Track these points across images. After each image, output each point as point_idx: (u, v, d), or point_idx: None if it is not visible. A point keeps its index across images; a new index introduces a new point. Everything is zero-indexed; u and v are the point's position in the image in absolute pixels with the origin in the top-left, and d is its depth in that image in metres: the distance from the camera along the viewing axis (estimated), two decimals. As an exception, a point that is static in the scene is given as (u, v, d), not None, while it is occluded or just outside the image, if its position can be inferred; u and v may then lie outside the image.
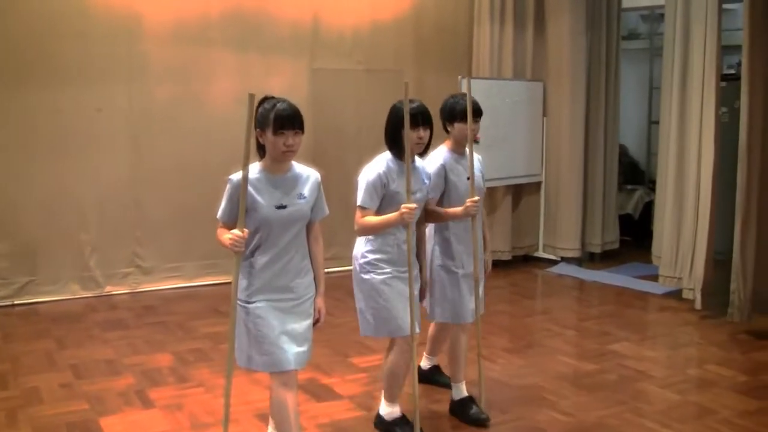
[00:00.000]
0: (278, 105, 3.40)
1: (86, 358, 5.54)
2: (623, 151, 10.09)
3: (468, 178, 4.34)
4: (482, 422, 4.39)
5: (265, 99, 3.48)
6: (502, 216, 8.62)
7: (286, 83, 7.70)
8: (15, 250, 6.92)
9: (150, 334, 6.13)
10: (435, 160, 4.34)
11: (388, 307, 4.01)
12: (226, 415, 3.45)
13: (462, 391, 4.54)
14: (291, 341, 3.48)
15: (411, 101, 3.87)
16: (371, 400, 4.74)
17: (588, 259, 8.93)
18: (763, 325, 6.39)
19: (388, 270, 4.02)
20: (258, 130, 3.46)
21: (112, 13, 7.10)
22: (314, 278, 3.65)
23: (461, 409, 4.49)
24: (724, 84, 6.93)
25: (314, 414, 4.54)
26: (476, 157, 4.49)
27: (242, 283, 3.47)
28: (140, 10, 7.22)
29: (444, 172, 4.32)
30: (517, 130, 8.46)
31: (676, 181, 7.26)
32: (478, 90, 7.34)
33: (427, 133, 4.04)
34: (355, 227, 4.05)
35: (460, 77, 7.87)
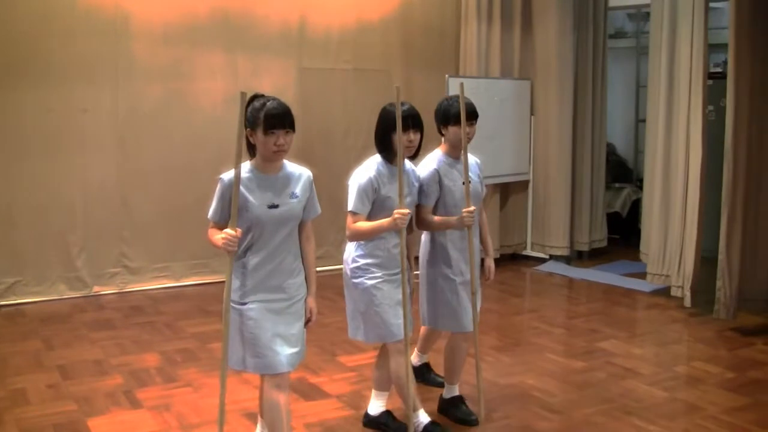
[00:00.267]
0: (268, 104, 3.36)
1: (74, 359, 5.52)
2: (611, 150, 10.13)
3: (464, 183, 4.25)
4: (471, 422, 4.39)
5: (255, 97, 3.43)
6: (490, 215, 8.62)
7: (273, 83, 7.69)
8: (1, 251, 6.88)
9: (138, 334, 6.11)
10: (429, 164, 4.26)
11: (379, 312, 3.98)
12: (221, 417, 3.43)
13: (453, 390, 4.53)
14: (284, 343, 3.46)
15: (403, 103, 3.84)
16: (360, 399, 4.75)
17: (576, 257, 8.96)
18: (749, 322, 6.43)
19: (378, 274, 3.99)
20: (248, 129, 3.41)
21: (99, 13, 7.07)
22: (306, 278, 3.62)
23: (450, 407, 4.49)
24: (710, 82, 6.95)
25: (303, 413, 4.54)
26: (474, 160, 4.43)
27: (235, 283, 3.45)
28: (127, 9, 7.19)
29: (438, 177, 4.22)
30: (504, 129, 8.47)
31: (664, 180, 7.29)
32: (466, 89, 7.37)
33: (417, 136, 4.00)
34: (347, 233, 4.01)
35: (447, 76, 7.88)
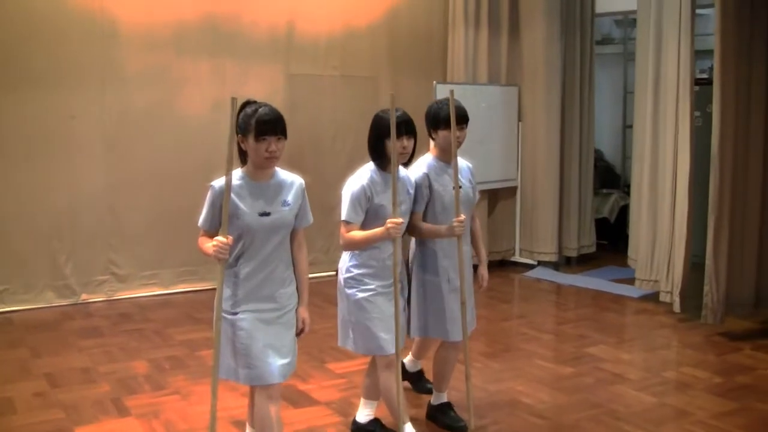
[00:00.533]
0: (260, 110, 3.31)
1: (61, 367, 5.50)
2: (598, 155, 10.17)
3: (454, 188, 4.16)
4: (459, 429, 4.38)
5: (247, 103, 3.38)
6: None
7: (261, 89, 7.68)
8: (-12, 259, 6.86)
9: (126, 342, 6.09)
10: (418, 168, 4.20)
11: (369, 325, 3.92)
12: (212, 426, 3.39)
13: (441, 397, 4.52)
14: (275, 354, 3.42)
15: (396, 109, 3.79)
16: (348, 406, 4.74)
17: (564, 263, 8.98)
18: (736, 327, 6.45)
19: (372, 286, 3.93)
20: (239, 135, 3.35)
21: (86, 19, 7.05)
22: (297, 288, 3.57)
23: (438, 414, 4.48)
24: (696, 88, 6.99)
25: (291, 420, 4.53)
26: (466, 165, 4.38)
27: (226, 292, 3.41)
28: (114, 15, 7.18)
29: (428, 181, 4.15)
30: (492, 135, 8.49)
31: (651, 185, 7.32)
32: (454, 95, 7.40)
33: (411, 142, 3.95)
34: (341, 242, 3.96)
35: (435, 82, 7.90)
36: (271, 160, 3.34)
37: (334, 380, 5.25)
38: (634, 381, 5.25)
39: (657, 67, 7.21)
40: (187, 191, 7.39)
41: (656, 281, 7.27)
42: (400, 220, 3.77)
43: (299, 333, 3.59)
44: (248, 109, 3.34)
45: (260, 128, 3.28)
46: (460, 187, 4.16)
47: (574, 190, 8.90)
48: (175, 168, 7.51)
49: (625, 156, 10.38)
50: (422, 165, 4.22)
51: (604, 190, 10.09)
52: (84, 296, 7.23)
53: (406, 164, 4.10)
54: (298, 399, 4.88)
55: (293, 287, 3.55)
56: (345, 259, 4.03)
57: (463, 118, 4.15)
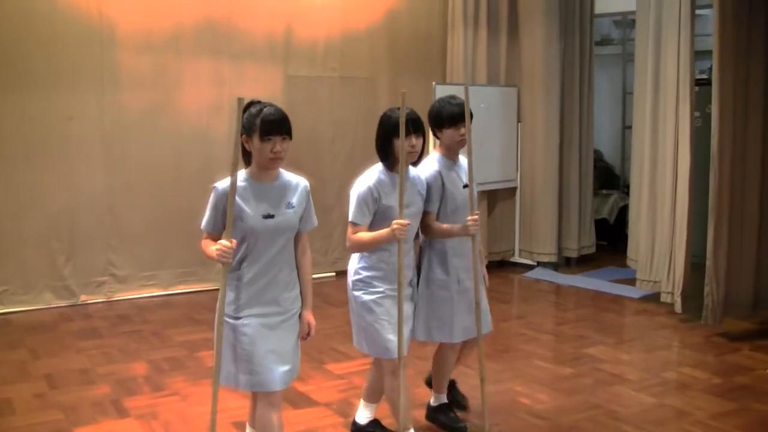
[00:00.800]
0: (265, 110, 3.26)
1: (60, 368, 5.50)
2: (598, 156, 10.17)
3: (464, 186, 4.13)
4: (459, 429, 4.37)
5: (252, 103, 3.33)
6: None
7: (260, 91, 7.66)
8: (-13, 260, 6.86)
9: (125, 343, 6.09)
10: (429, 166, 4.12)
11: (376, 327, 3.87)
12: (212, 430, 3.36)
13: (441, 398, 4.51)
14: (278, 360, 3.37)
15: (400, 108, 3.73)
16: (348, 407, 4.74)
17: (564, 264, 8.98)
18: (735, 328, 6.45)
19: (380, 289, 3.88)
20: (244, 136, 3.28)
21: (85, 21, 7.06)
22: (301, 291, 3.52)
23: (438, 415, 4.47)
24: (696, 89, 6.99)
25: (291, 422, 4.52)
26: (466, 163, 4.26)
27: (229, 296, 3.34)
28: (113, 18, 7.18)
29: (441, 179, 4.08)
30: (491, 136, 8.49)
31: (651, 186, 7.32)
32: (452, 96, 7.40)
33: (420, 141, 3.88)
34: (347, 244, 3.90)
35: (434, 83, 7.90)
36: (276, 160, 3.29)
37: (334, 381, 5.25)
38: (633, 381, 5.25)
39: (656, 67, 7.21)
40: (186, 192, 7.42)
41: (657, 282, 7.27)
42: (406, 221, 3.70)
43: (305, 337, 3.54)
44: (253, 109, 3.29)
45: (265, 128, 3.22)
46: (466, 186, 4.12)
47: (574, 191, 8.90)
48: (174, 169, 7.52)
49: (625, 157, 10.38)
50: (433, 162, 4.15)
51: (604, 191, 10.09)
52: (83, 297, 7.23)
53: (415, 164, 4.01)
54: (297, 400, 4.88)
55: (297, 291, 3.49)
56: (354, 261, 3.98)
57: (463, 115, 4.06)
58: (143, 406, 4.80)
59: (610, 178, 10.53)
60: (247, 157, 3.37)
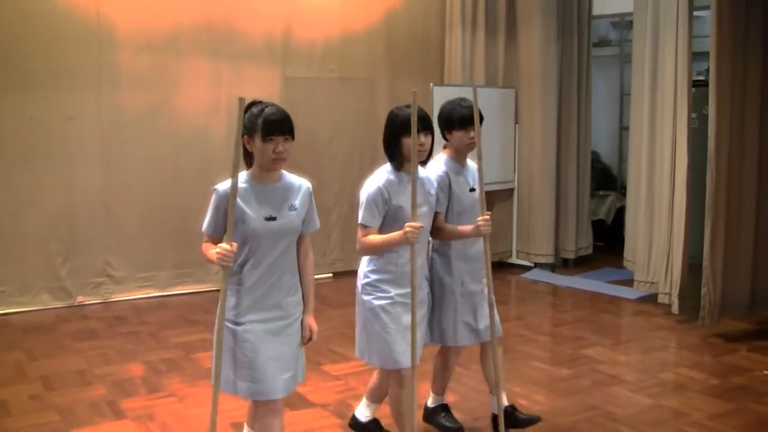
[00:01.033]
0: (267, 109, 3.20)
1: (57, 369, 5.49)
2: (595, 157, 10.17)
3: (472, 190, 4.07)
4: (456, 430, 4.36)
5: (253, 104, 3.27)
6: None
7: (258, 91, 7.59)
8: (-16, 261, 6.85)
9: (122, 344, 6.08)
10: (436, 168, 4.04)
11: (384, 335, 3.73)
12: None
13: (439, 399, 4.49)
14: (280, 368, 3.29)
15: (408, 106, 3.64)
16: (345, 408, 4.74)
17: (561, 265, 8.98)
18: (732, 328, 6.46)
19: (390, 294, 3.75)
20: (245, 136, 3.22)
21: (83, 21, 7.06)
22: (303, 295, 3.44)
23: (435, 416, 4.46)
24: (693, 90, 7.00)
25: (289, 423, 4.49)
26: (474, 167, 4.20)
27: (230, 301, 3.25)
28: (111, 18, 7.18)
29: (448, 181, 4.02)
30: (489, 137, 8.43)
31: (649, 187, 7.32)
32: (450, 97, 7.38)
33: (429, 139, 3.77)
34: (357, 246, 3.78)
35: (432, 84, 7.90)
36: (278, 161, 3.22)
37: (331, 382, 5.24)
38: (631, 382, 5.25)
39: (654, 68, 7.22)
40: (184, 193, 7.42)
41: (654, 283, 7.28)
42: (419, 224, 3.58)
43: (306, 342, 3.45)
44: (254, 109, 3.23)
45: (267, 128, 3.17)
46: (473, 190, 4.08)
47: (571, 192, 8.90)
48: (172, 170, 7.52)
49: (622, 158, 10.39)
50: (440, 164, 4.08)
51: (601, 192, 10.09)
52: (80, 298, 7.22)
53: (424, 163, 3.88)
54: (294, 401, 4.87)
55: (299, 295, 3.42)
56: (363, 265, 3.86)
57: (479, 118, 4.03)
58: (140, 407, 4.80)
59: (607, 179, 10.54)
60: (248, 159, 3.31)
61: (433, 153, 3.95)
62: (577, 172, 8.92)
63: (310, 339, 3.46)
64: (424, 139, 3.73)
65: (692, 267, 6.90)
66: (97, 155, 7.25)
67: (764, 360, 5.70)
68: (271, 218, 3.24)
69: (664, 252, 7.10)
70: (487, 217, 3.91)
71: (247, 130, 3.22)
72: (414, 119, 3.53)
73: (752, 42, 6.41)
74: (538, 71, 8.62)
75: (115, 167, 7.32)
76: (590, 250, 9.20)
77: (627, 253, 7.91)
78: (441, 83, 8.44)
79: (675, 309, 6.87)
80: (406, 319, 3.71)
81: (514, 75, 8.85)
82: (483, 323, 4.15)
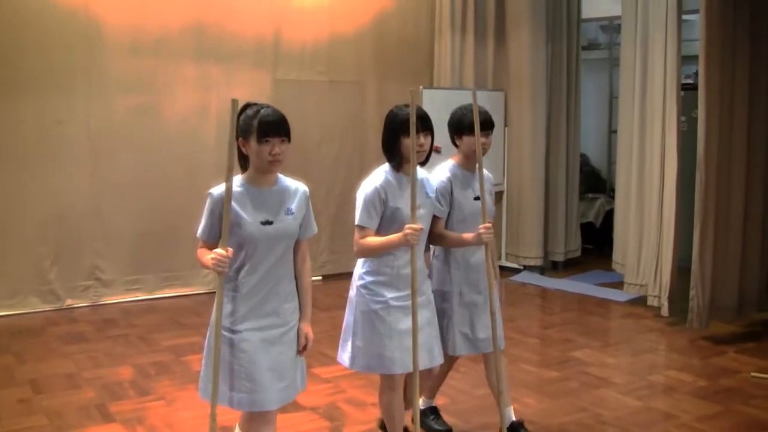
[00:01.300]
0: (262, 111, 3.14)
1: (46, 373, 5.47)
2: (584, 160, 10.20)
3: (476, 198, 3.98)
4: (445, 432, 4.36)
5: (248, 105, 3.20)
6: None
7: (248, 94, 7.58)
8: (-28, 264, 6.82)
9: (111, 348, 6.06)
10: (440, 174, 4.01)
11: (375, 340, 3.66)
12: None
13: (429, 402, 4.50)
14: (276, 378, 3.23)
15: (407, 106, 3.57)
16: (335, 411, 4.74)
17: (551, 268, 9.00)
18: (721, 331, 6.49)
19: (384, 298, 3.66)
20: (240, 139, 3.16)
21: (71, 24, 7.03)
22: (300, 301, 3.37)
23: (425, 419, 4.44)
24: (682, 93, 7.03)
25: (278, 426, 4.45)
26: (487, 175, 4.12)
27: (226, 307, 3.17)
28: (101, 21, 7.16)
29: (450, 188, 3.97)
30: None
31: (638, 190, 7.35)
32: (440, 100, 7.42)
33: (428, 139, 3.68)
34: (354, 248, 3.68)
35: (421, 88, 7.92)
36: (274, 163, 3.15)
37: (321, 385, 5.23)
38: (620, 385, 5.27)
39: (643, 72, 7.25)
40: (173, 196, 7.40)
41: (643, 285, 7.30)
42: (419, 225, 3.52)
43: (302, 350, 3.37)
44: (249, 111, 3.17)
45: (263, 129, 3.10)
46: (477, 198, 3.99)
47: (560, 195, 8.93)
48: (161, 173, 7.50)
49: (611, 161, 10.42)
50: (445, 170, 4.04)
51: (590, 195, 10.11)
52: (68, 302, 7.19)
53: (423, 163, 3.79)
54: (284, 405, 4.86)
55: (296, 302, 3.35)
56: (358, 266, 3.78)
57: (488, 124, 4.00)
58: (129, 410, 4.78)
59: (596, 182, 10.55)
60: (243, 162, 3.25)
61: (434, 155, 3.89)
62: (566, 174, 8.95)
63: (305, 347, 3.38)
64: (424, 139, 3.65)
65: (681, 270, 6.93)
66: (85, 157, 7.22)
67: (752, 362, 5.72)
68: (268, 222, 3.18)
69: (654, 255, 7.13)
70: (489, 225, 3.82)
71: (243, 132, 3.16)
72: (413, 119, 3.46)
73: (741, 45, 6.44)
74: (528, 74, 8.64)
75: (104, 170, 7.30)
76: (579, 253, 9.23)
77: (616, 255, 7.93)
78: (430, 86, 8.45)
79: (664, 311, 6.91)
80: (403, 323, 3.63)
81: (503, 78, 8.87)
82: (484, 334, 4.08)
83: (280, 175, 3.31)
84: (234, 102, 3.04)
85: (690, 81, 8.56)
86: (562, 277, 8.68)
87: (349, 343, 3.76)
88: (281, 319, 3.26)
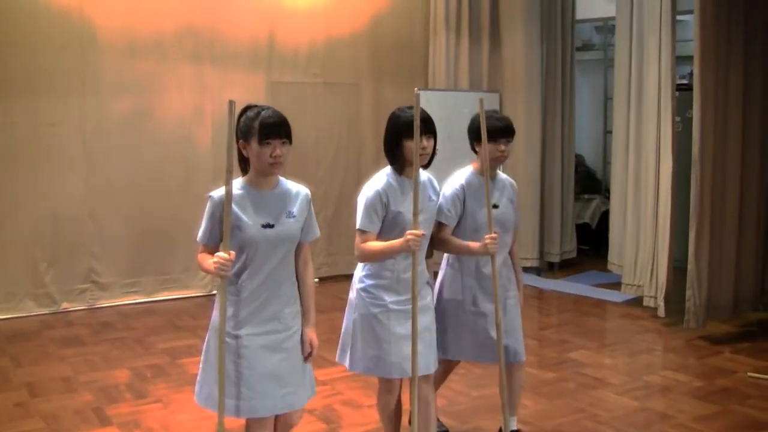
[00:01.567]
0: (263, 112, 3.13)
1: (42, 376, 5.46)
2: (580, 161, 10.21)
3: (494, 206, 3.90)
4: (441, 434, 4.36)
5: (248, 107, 3.19)
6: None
7: (243, 96, 7.54)
8: (-33, 268, 6.81)
9: (107, 351, 6.05)
10: (456, 180, 3.96)
11: (373, 343, 3.61)
12: None
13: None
14: (277, 385, 3.18)
15: (411, 108, 3.50)
16: (331, 413, 4.74)
17: (546, 269, 9.00)
18: (717, 331, 6.49)
19: (383, 302, 3.60)
20: (241, 141, 3.14)
21: (66, 26, 7.02)
22: (303, 306, 3.32)
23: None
24: (676, 94, 7.04)
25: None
26: (510, 182, 4.14)
27: (226, 311, 3.13)
28: (95, 23, 7.15)
29: (463, 195, 3.91)
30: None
31: (634, 190, 7.36)
32: (435, 101, 7.42)
33: (431, 142, 3.60)
34: (355, 253, 3.60)
35: (416, 89, 7.88)
36: (275, 165, 3.12)
37: (317, 387, 5.17)
38: (616, 385, 5.27)
39: (638, 72, 7.26)
40: (169, 199, 7.39)
41: (640, 286, 7.31)
42: (421, 231, 3.44)
43: (307, 357, 3.33)
44: (250, 113, 3.15)
45: (264, 131, 3.08)
46: (496, 206, 3.94)
47: (556, 196, 8.94)
48: (156, 175, 7.49)
49: (606, 161, 10.41)
50: (460, 177, 3.99)
51: (586, 196, 10.12)
52: (65, 305, 7.17)
53: (426, 167, 3.70)
54: (280, 406, 4.86)
55: (298, 306, 3.30)
56: (359, 269, 3.72)
57: (508, 131, 3.97)
58: (125, 413, 4.77)
59: (591, 183, 10.57)
60: (243, 164, 3.22)
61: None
62: (561, 175, 8.96)
63: (310, 354, 3.34)
64: (426, 142, 3.58)
65: (677, 270, 6.94)
66: (81, 160, 7.20)
67: (748, 362, 5.73)
68: (269, 225, 3.14)
69: (650, 255, 7.14)
70: (495, 235, 3.77)
71: (243, 134, 3.14)
72: (417, 122, 3.39)
73: (735, 46, 6.46)
74: (522, 75, 8.65)
75: (100, 173, 7.28)
76: (575, 254, 9.23)
77: (611, 256, 7.94)
78: (425, 88, 8.45)
79: (660, 312, 6.92)
80: (403, 328, 3.59)
81: (498, 79, 8.87)
82: (496, 344, 3.97)
83: (281, 178, 3.29)
84: (231, 103, 3.00)
85: (685, 81, 8.57)
86: (558, 278, 8.69)
87: (349, 346, 3.73)
88: (282, 325, 3.22)
